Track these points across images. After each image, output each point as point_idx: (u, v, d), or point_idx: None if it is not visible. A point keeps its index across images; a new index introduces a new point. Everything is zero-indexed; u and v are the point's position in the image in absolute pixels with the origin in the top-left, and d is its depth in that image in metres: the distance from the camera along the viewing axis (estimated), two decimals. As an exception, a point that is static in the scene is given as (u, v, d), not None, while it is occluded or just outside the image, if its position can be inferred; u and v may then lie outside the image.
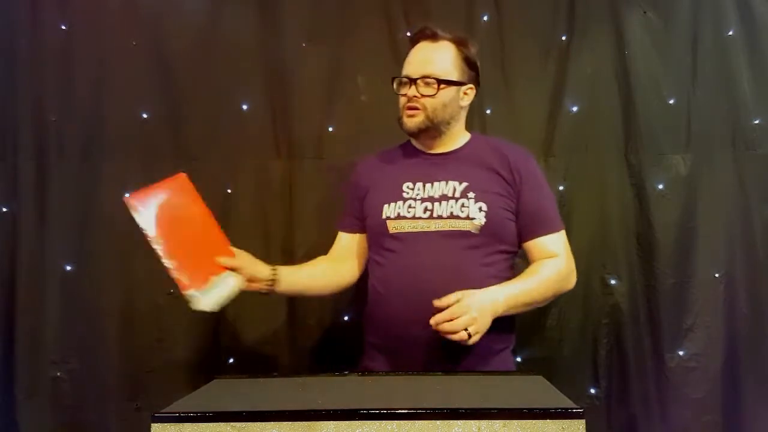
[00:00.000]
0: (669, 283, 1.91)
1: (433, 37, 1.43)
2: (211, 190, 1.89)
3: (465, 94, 1.47)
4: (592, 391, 1.91)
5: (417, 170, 1.47)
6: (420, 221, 1.38)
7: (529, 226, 1.44)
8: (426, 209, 1.39)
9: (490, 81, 1.96)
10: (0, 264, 1.86)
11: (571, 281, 1.46)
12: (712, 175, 1.94)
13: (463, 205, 1.38)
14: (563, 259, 1.44)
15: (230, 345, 1.90)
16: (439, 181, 1.43)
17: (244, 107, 1.94)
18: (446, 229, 1.37)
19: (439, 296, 1.24)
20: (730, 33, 1.96)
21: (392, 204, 1.42)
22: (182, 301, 1.87)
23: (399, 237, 1.39)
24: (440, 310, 1.21)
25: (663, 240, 1.91)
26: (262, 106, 1.94)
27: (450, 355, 1.33)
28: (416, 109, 1.41)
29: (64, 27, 1.91)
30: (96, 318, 1.86)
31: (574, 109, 1.96)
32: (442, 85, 1.40)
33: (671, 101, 1.96)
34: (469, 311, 1.21)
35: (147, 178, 1.88)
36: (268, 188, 1.92)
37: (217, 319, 1.89)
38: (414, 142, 1.52)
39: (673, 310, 1.91)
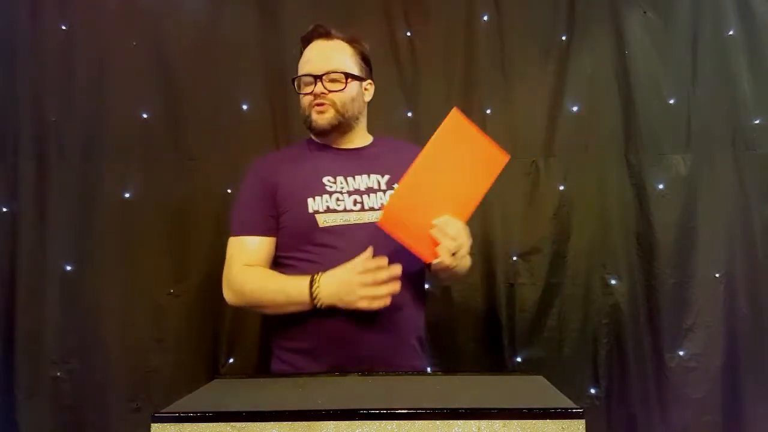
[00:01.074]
0: (669, 283, 1.91)
1: (327, 35, 1.43)
2: (211, 190, 1.90)
3: (366, 89, 1.47)
4: (592, 391, 1.91)
5: (333, 165, 1.43)
6: (352, 213, 1.36)
7: None
8: (356, 202, 1.37)
9: (490, 81, 1.97)
10: (0, 264, 1.86)
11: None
12: (712, 175, 1.94)
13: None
14: None
15: (230, 345, 1.90)
16: (361, 174, 1.42)
17: (244, 107, 1.94)
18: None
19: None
20: (730, 33, 1.96)
21: (317, 198, 1.37)
22: (182, 301, 1.89)
23: (331, 231, 1.34)
24: None
25: (663, 240, 1.91)
26: (262, 106, 1.94)
27: (385, 351, 1.34)
28: (324, 104, 1.40)
29: (64, 27, 1.91)
30: (96, 318, 1.87)
31: (574, 109, 1.96)
32: (349, 79, 1.40)
33: (671, 101, 1.96)
34: (463, 244, 1.29)
35: (147, 178, 1.90)
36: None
37: (217, 319, 1.90)
38: (318, 140, 1.48)
39: (673, 310, 1.91)
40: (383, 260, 1.27)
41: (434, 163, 1.26)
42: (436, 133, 1.26)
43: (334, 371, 1.27)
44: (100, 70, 1.91)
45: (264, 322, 1.88)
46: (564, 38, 1.97)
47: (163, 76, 1.92)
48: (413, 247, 1.28)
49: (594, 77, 1.96)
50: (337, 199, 1.37)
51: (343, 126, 1.43)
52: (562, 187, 1.94)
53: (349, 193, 1.39)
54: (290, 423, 0.85)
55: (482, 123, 1.96)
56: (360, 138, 1.48)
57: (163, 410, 0.89)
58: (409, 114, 1.96)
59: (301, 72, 1.42)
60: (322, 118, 1.40)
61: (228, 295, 1.39)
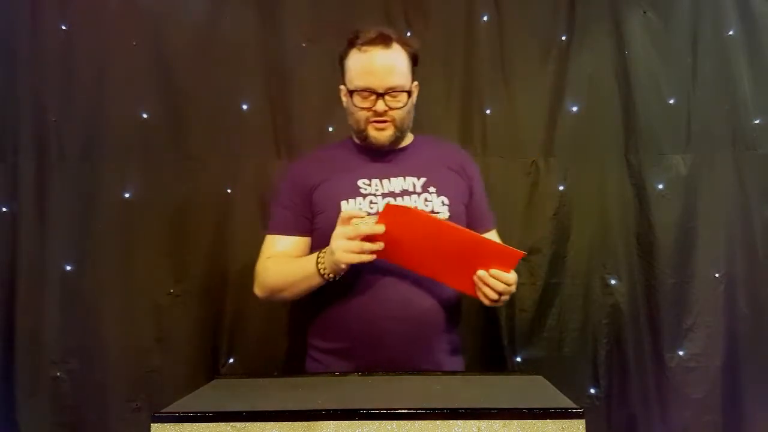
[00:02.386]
0: (669, 283, 1.91)
1: (388, 42, 1.36)
2: (211, 190, 1.90)
3: (414, 93, 1.46)
4: (592, 391, 1.91)
5: (370, 166, 1.43)
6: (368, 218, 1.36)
7: (479, 221, 1.48)
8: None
9: (490, 81, 1.97)
10: (0, 264, 1.86)
11: None
12: (712, 175, 1.94)
13: (426, 200, 1.39)
14: None
15: (230, 345, 1.90)
16: (396, 177, 1.41)
17: (244, 107, 1.94)
18: None
19: (417, 291, 1.33)
20: (730, 33, 1.96)
21: (351, 200, 1.37)
22: (182, 301, 1.89)
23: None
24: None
25: (663, 240, 1.91)
26: (262, 106, 1.94)
27: (420, 353, 1.35)
28: (386, 122, 1.39)
29: (64, 27, 1.91)
30: (96, 318, 1.86)
31: (574, 109, 1.96)
32: (409, 95, 1.39)
33: (671, 101, 1.96)
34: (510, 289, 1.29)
35: (147, 178, 1.90)
36: (268, 188, 1.92)
37: (217, 319, 1.90)
38: (357, 141, 1.48)
39: (673, 310, 1.91)
40: (362, 212, 1.28)
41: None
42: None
43: (365, 371, 1.29)
44: (100, 70, 1.90)
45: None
46: (564, 38, 1.97)
47: (163, 76, 1.92)
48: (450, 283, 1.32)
49: (594, 77, 1.96)
50: (371, 202, 1.37)
51: (398, 141, 1.44)
52: (562, 187, 1.94)
53: (384, 196, 1.38)
54: (290, 423, 0.85)
55: (482, 123, 1.96)
56: (403, 139, 1.48)
57: (163, 410, 0.89)
58: (409, 114, 1.96)
59: (359, 83, 1.37)
60: (382, 135, 1.40)
61: (256, 290, 1.44)
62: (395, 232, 1.23)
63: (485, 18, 1.97)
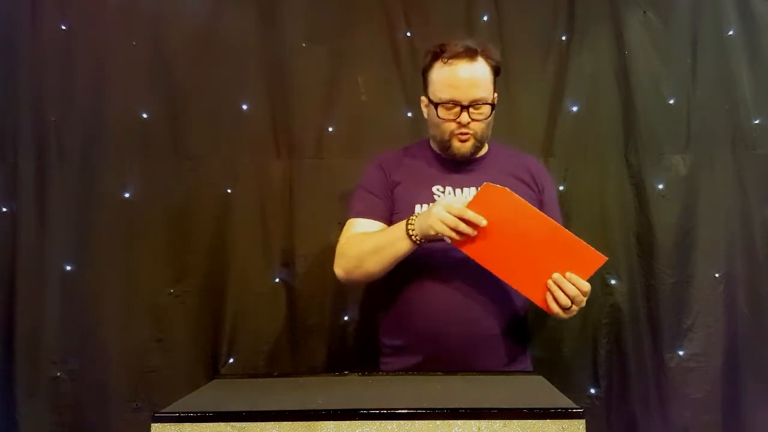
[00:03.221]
0: (669, 283, 1.91)
1: (474, 56, 1.38)
2: (211, 190, 1.90)
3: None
4: (592, 391, 1.91)
5: (445, 174, 1.46)
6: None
7: None
8: None
9: (490, 81, 1.96)
10: (0, 264, 1.86)
11: None
12: (712, 175, 1.94)
13: None
14: None
15: (230, 345, 1.90)
16: (469, 186, 1.43)
17: (244, 107, 1.94)
18: None
19: (478, 297, 1.36)
20: (730, 33, 1.96)
21: (424, 205, 1.40)
22: (182, 301, 1.89)
23: (435, 239, 1.34)
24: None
25: (663, 240, 1.91)
26: (262, 106, 1.94)
27: (483, 355, 1.38)
28: (468, 134, 1.41)
29: (64, 27, 1.91)
30: (96, 318, 1.86)
31: (574, 109, 1.96)
32: (492, 108, 1.41)
33: (671, 101, 1.96)
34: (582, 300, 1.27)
35: (147, 178, 1.90)
36: (268, 188, 1.92)
37: (217, 319, 1.90)
38: (439, 150, 1.50)
39: (673, 310, 1.91)
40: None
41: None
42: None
43: (427, 368, 1.32)
44: (100, 70, 1.90)
45: (264, 322, 1.89)
46: (564, 38, 1.97)
47: (163, 76, 1.92)
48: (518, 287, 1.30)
49: (594, 77, 1.96)
50: None
51: (477, 150, 1.46)
52: (562, 187, 1.94)
53: None
54: (290, 423, 0.85)
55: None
56: (481, 150, 1.50)
57: (163, 410, 0.89)
58: (409, 114, 1.96)
59: (443, 95, 1.39)
60: (464, 147, 1.42)
61: (337, 268, 1.42)
62: (486, 220, 1.22)
63: (485, 18, 1.97)
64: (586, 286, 1.24)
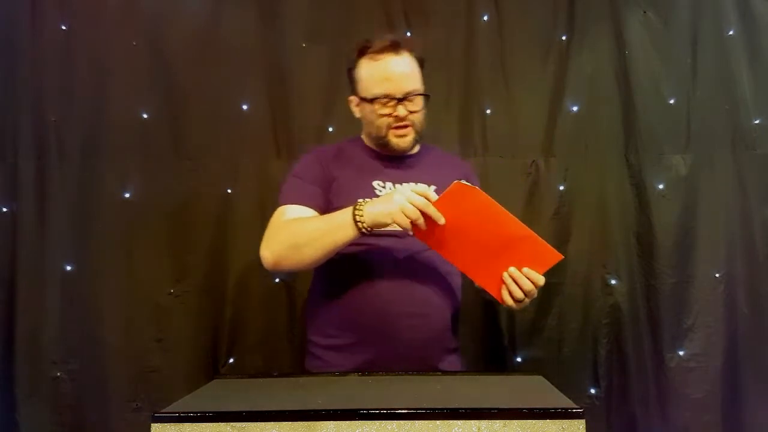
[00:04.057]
0: (669, 283, 1.91)
1: (398, 49, 1.38)
2: (211, 191, 1.90)
3: None
4: (592, 391, 1.91)
5: (384, 169, 1.44)
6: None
7: None
8: None
9: (490, 81, 1.97)
10: (0, 264, 1.86)
11: None
12: (712, 175, 1.94)
13: None
14: None
15: (230, 345, 1.90)
16: (408, 182, 1.42)
17: (244, 107, 1.94)
18: None
19: (429, 290, 1.36)
20: (730, 33, 1.96)
21: (367, 200, 1.35)
22: (182, 301, 1.89)
23: (378, 234, 1.32)
24: None
25: (663, 240, 1.91)
26: (262, 106, 1.94)
27: (424, 353, 1.36)
28: (407, 127, 1.40)
29: (64, 27, 1.91)
30: (96, 318, 1.86)
31: (574, 109, 1.96)
32: (425, 98, 1.40)
33: (671, 101, 1.96)
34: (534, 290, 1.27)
35: (147, 178, 1.90)
36: (268, 188, 1.92)
37: (217, 319, 1.90)
38: (376, 147, 1.48)
39: (673, 310, 1.91)
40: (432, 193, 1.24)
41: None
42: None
43: (369, 368, 1.29)
44: (100, 70, 1.90)
45: (264, 322, 1.89)
46: (564, 38, 1.97)
47: (163, 76, 1.92)
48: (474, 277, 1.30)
49: (594, 77, 1.96)
50: None
51: (416, 143, 1.45)
52: (562, 187, 1.94)
53: None
54: (290, 423, 0.85)
55: (482, 123, 1.96)
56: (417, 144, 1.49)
57: (163, 410, 0.89)
58: (409, 114, 1.96)
59: (377, 90, 1.38)
60: (404, 141, 1.41)
61: (265, 252, 1.33)
62: (447, 212, 1.22)
63: (485, 18, 1.97)
64: (541, 280, 1.25)
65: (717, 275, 1.92)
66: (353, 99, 1.47)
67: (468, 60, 1.97)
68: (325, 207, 1.39)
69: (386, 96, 1.37)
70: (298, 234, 1.31)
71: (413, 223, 1.20)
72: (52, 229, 1.87)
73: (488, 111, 1.96)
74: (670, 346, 1.90)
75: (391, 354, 1.33)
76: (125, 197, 1.89)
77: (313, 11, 1.95)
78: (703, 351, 1.90)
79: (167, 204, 1.90)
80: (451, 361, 1.44)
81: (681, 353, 1.90)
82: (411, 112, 1.39)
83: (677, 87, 1.96)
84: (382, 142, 1.43)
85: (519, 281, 1.24)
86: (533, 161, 1.95)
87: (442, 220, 1.20)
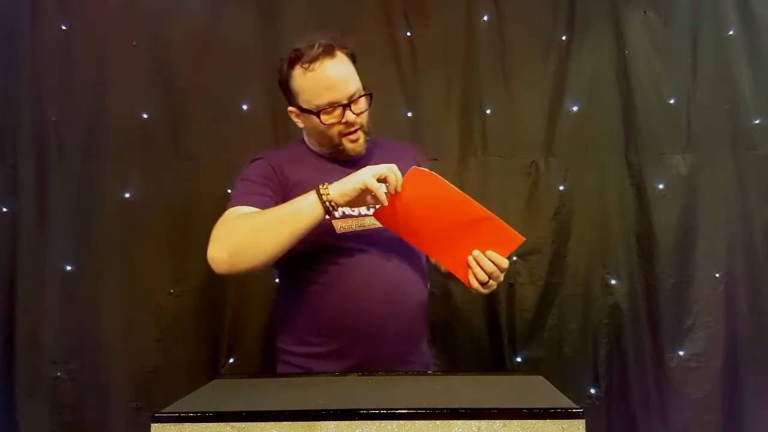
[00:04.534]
0: (669, 283, 1.91)
1: (332, 52, 1.31)
2: (211, 191, 1.90)
3: None
4: (592, 391, 1.91)
5: (339, 170, 1.36)
6: (366, 219, 1.35)
7: None
8: (369, 206, 1.33)
9: (490, 81, 1.97)
10: (0, 264, 1.86)
11: None
12: (712, 175, 1.94)
13: None
14: None
15: (230, 345, 1.90)
16: None
17: (244, 107, 1.94)
18: None
19: (407, 288, 1.34)
20: (730, 33, 1.96)
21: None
22: (182, 301, 1.89)
23: (349, 236, 1.32)
24: None
25: (663, 240, 1.91)
26: (262, 106, 1.94)
27: (404, 350, 1.36)
28: (357, 132, 1.36)
29: (64, 27, 1.91)
30: (96, 318, 1.86)
31: (574, 109, 1.96)
32: (368, 97, 1.36)
33: (671, 101, 1.96)
34: (501, 274, 1.27)
35: (147, 178, 1.90)
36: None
37: (217, 319, 1.90)
38: (327, 153, 1.43)
39: (673, 310, 1.91)
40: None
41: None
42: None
43: (353, 371, 1.27)
44: (100, 70, 1.90)
45: (264, 322, 1.89)
46: (564, 38, 1.97)
47: (163, 76, 1.92)
48: (446, 264, 1.32)
49: (594, 77, 1.96)
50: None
51: (368, 143, 1.41)
52: (562, 187, 1.94)
53: None
54: (290, 423, 0.85)
55: (482, 123, 1.96)
56: None
57: (163, 410, 0.89)
58: (409, 114, 1.96)
59: (320, 101, 1.32)
60: (358, 145, 1.38)
61: (218, 254, 1.24)
62: (409, 198, 1.23)
63: (485, 18, 1.97)
64: (504, 263, 1.25)
65: (717, 275, 1.92)
66: (293, 110, 1.40)
67: (468, 60, 1.97)
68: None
69: (331, 104, 1.32)
70: (256, 224, 1.22)
71: (379, 210, 1.23)
72: (52, 229, 1.87)
73: (488, 111, 1.96)
74: (670, 346, 1.90)
75: (377, 354, 1.31)
76: (125, 197, 1.89)
77: (313, 11, 1.95)
78: (703, 351, 1.90)
79: (167, 204, 1.90)
80: (425, 351, 1.45)
81: (681, 353, 1.90)
82: (359, 114, 1.35)
83: (677, 87, 1.96)
84: (337, 150, 1.38)
85: (481, 263, 1.24)
86: (533, 161, 1.95)
87: (400, 182, 1.22)
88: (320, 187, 1.22)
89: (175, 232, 1.90)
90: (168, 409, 0.90)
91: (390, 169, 1.22)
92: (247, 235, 1.23)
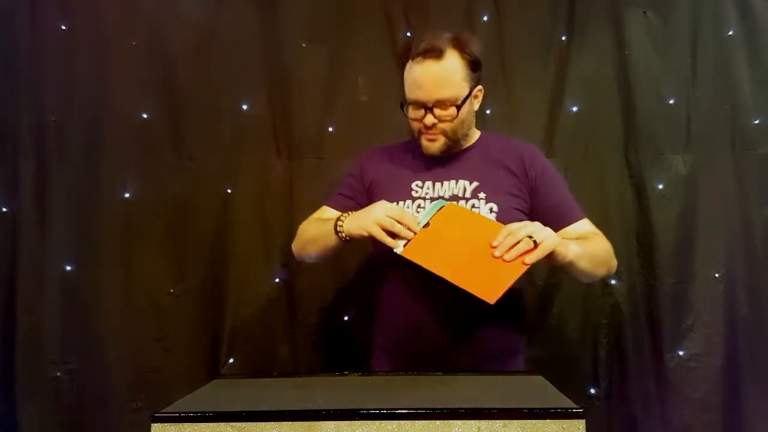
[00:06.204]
0: (669, 283, 1.91)
1: (439, 54, 1.31)
2: (211, 190, 1.90)
3: (475, 98, 1.42)
4: (592, 391, 1.91)
5: (426, 168, 1.43)
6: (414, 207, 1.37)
7: (557, 218, 1.38)
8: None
9: (490, 81, 1.95)
10: (0, 264, 1.86)
11: (615, 261, 1.42)
12: (712, 175, 1.94)
13: (473, 206, 1.36)
14: (604, 237, 1.42)
15: (230, 345, 1.90)
16: (449, 180, 1.40)
17: (244, 107, 1.94)
18: None
19: (453, 298, 1.22)
20: (730, 33, 1.96)
21: (401, 203, 1.38)
22: (182, 301, 1.89)
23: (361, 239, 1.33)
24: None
25: (663, 240, 1.91)
26: (262, 106, 1.94)
27: (465, 356, 1.35)
28: (436, 134, 1.38)
29: (64, 27, 1.91)
30: (96, 318, 1.87)
31: (574, 109, 1.96)
32: (461, 106, 1.35)
33: (671, 101, 1.96)
34: (522, 227, 1.19)
35: (147, 178, 1.90)
36: (268, 188, 1.92)
37: (217, 319, 1.90)
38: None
39: (673, 310, 1.91)
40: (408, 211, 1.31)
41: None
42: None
43: (406, 370, 1.30)
44: (100, 70, 1.90)
45: (264, 322, 1.89)
46: (564, 38, 1.97)
47: (163, 76, 1.92)
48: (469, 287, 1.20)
49: (594, 77, 1.96)
50: (419, 206, 1.37)
51: (453, 148, 1.42)
52: (562, 187, 1.94)
53: (432, 200, 1.37)
54: (290, 423, 0.85)
55: (482, 123, 1.96)
56: (464, 141, 1.46)
57: (163, 410, 0.89)
58: (409, 114, 1.96)
59: (409, 95, 1.36)
60: (433, 146, 1.39)
61: (293, 245, 1.50)
62: (438, 231, 1.24)
63: (485, 18, 1.97)
64: (525, 229, 1.18)
65: (717, 275, 1.92)
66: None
67: (468, 60, 1.96)
68: (354, 208, 1.43)
69: (416, 102, 1.36)
70: (307, 234, 1.45)
71: (392, 236, 1.24)
72: (52, 229, 1.87)
73: (488, 111, 1.96)
74: (670, 346, 1.90)
75: (434, 360, 1.32)
76: (125, 197, 1.89)
77: (313, 11, 1.95)
78: (703, 351, 1.90)
79: (167, 204, 1.90)
80: (509, 365, 1.42)
81: (681, 353, 1.90)
82: (441, 120, 1.35)
83: (677, 87, 1.96)
84: (418, 144, 1.43)
85: (508, 242, 1.17)
86: (533, 161, 1.95)
87: (417, 228, 1.25)
88: (339, 218, 1.34)
89: (175, 232, 1.90)
90: (168, 409, 0.90)
91: (395, 221, 1.24)
92: (303, 242, 1.47)
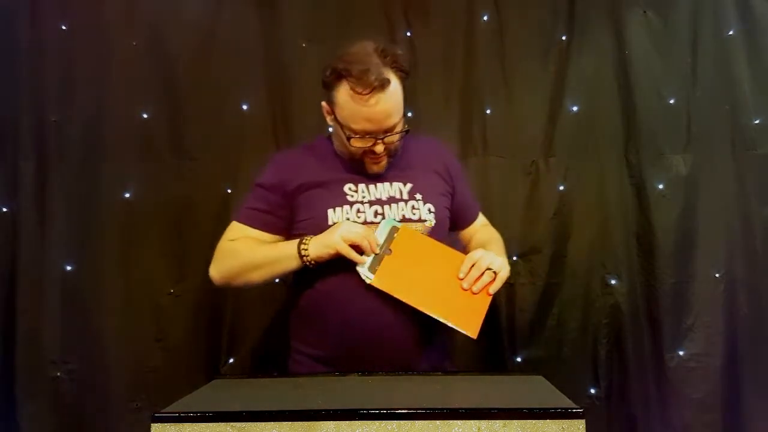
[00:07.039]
0: (669, 283, 1.91)
1: (386, 85, 1.24)
2: (211, 190, 1.90)
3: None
4: (592, 391, 1.91)
5: (354, 170, 1.36)
6: (372, 227, 1.31)
7: (463, 216, 1.51)
8: (376, 213, 1.33)
9: (490, 81, 1.97)
10: (0, 264, 1.86)
11: None
12: (712, 175, 1.94)
13: (413, 207, 1.35)
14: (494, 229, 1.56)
15: (230, 345, 1.90)
16: (383, 182, 1.37)
17: (244, 107, 1.94)
18: None
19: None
20: (730, 33, 1.96)
21: (338, 209, 1.32)
22: (182, 301, 1.89)
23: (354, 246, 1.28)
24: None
25: (663, 240, 1.91)
26: (262, 106, 1.94)
27: (409, 358, 1.33)
28: (381, 156, 1.33)
29: (64, 27, 1.91)
30: (96, 318, 1.86)
31: (574, 109, 1.96)
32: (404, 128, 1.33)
33: (671, 101, 1.96)
34: (483, 258, 1.27)
35: (147, 178, 1.90)
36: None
37: (217, 319, 1.90)
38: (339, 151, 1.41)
39: (673, 310, 1.91)
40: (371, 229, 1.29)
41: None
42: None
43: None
44: (100, 70, 1.90)
45: (264, 321, 1.89)
46: (564, 38, 1.97)
47: (163, 76, 1.92)
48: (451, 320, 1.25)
49: (594, 77, 1.96)
50: (358, 210, 1.34)
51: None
52: (562, 188, 1.94)
53: (371, 203, 1.35)
54: (290, 423, 0.85)
55: (482, 123, 1.96)
56: None
57: (163, 410, 0.89)
58: (409, 114, 1.95)
59: (355, 126, 1.28)
60: (379, 167, 1.36)
61: (213, 271, 1.38)
62: (401, 257, 1.25)
63: (485, 18, 1.97)
64: (494, 263, 1.27)
65: (717, 275, 1.92)
66: (325, 106, 1.36)
67: (468, 60, 1.97)
68: (282, 224, 1.38)
69: (365, 133, 1.29)
70: (247, 259, 1.35)
71: (359, 251, 1.25)
72: (52, 229, 1.87)
73: (488, 111, 1.96)
74: (670, 346, 1.90)
75: (376, 362, 1.29)
76: (125, 197, 1.89)
77: (313, 11, 1.95)
78: (703, 351, 1.90)
79: (167, 204, 1.90)
80: (436, 357, 1.40)
81: (681, 353, 1.90)
82: (390, 144, 1.32)
83: (677, 87, 1.96)
84: (357, 164, 1.36)
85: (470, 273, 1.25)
86: (533, 161, 1.95)
87: (377, 249, 1.26)
88: (302, 242, 1.28)
89: (175, 232, 1.90)
90: (168, 409, 0.90)
91: (363, 236, 1.25)
92: (236, 267, 1.37)
